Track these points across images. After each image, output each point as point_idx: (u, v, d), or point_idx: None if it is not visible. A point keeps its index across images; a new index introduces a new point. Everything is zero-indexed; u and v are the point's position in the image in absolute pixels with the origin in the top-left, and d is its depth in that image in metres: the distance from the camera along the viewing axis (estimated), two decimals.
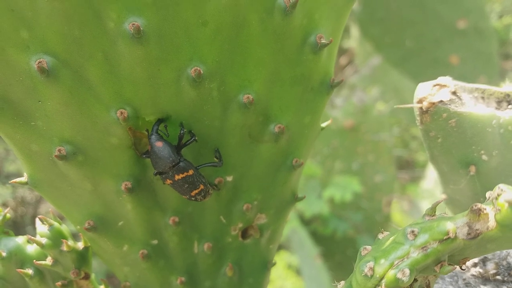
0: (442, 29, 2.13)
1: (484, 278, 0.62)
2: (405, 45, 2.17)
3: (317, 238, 2.41)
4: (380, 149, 2.50)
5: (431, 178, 2.63)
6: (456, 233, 0.40)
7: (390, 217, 2.61)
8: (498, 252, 0.62)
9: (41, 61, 0.49)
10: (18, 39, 0.48)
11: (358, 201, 2.45)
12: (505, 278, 0.61)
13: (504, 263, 0.61)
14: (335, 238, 2.43)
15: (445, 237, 0.40)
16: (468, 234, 0.41)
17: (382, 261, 0.42)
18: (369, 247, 0.46)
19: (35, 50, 0.49)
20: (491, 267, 0.61)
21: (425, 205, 2.72)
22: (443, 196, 0.72)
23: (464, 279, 0.62)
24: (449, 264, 0.43)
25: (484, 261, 0.62)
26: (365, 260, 0.43)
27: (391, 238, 0.44)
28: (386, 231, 0.48)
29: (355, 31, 2.72)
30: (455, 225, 0.41)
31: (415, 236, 0.42)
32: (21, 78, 0.50)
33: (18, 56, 0.49)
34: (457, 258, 0.44)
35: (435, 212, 0.45)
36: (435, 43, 2.16)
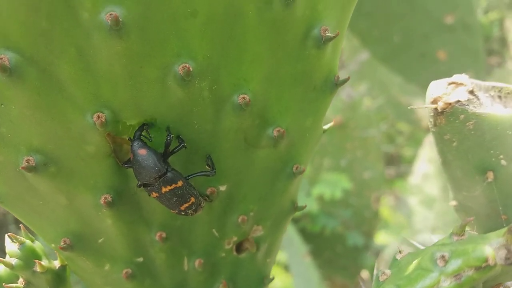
0: (430, 24, 2.10)
1: None
2: (393, 40, 2.14)
3: (306, 235, 2.38)
4: (369, 145, 2.49)
5: (418, 173, 2.61)
6: (495, 259, 0.34)
7: (379, 213, 2.60)
8: None
9: (1, 58, 0.42)
10: None
11: (347, 198, 2.43)
12: None
13: None
14: (324, 235, 2.41)
15: (483, 265, 0.34)
16: (507, 258, 0.35)
17: None
18: (388, 271, 0.40)
19: None
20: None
21: (413, 201, 2.71)
22: (453, 203, 0.67)
23: None
24: None
25: None
26: None
27: (415, 262, 0.38)
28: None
29: None
30: (491, 247, 0.35)
31: (446, 261, 0.36)
32: None
33: None
34: (490, 283, 0.39)
35: (464, 231, 0.39)
36: (423, 38, 2.13)
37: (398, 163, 4.22)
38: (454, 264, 0.35)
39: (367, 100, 2.98)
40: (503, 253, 0.36)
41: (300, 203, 0.66)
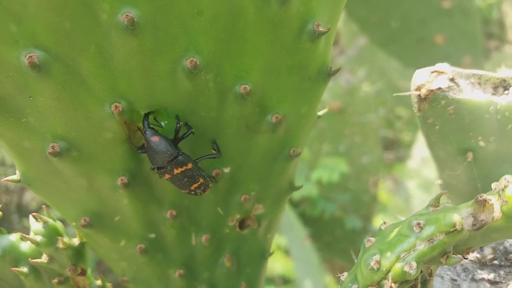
0: (428, 8, 2.12)
1: (481, 263, 0.62)
2: (391, 25, 2.16)
3: (306, 219, 2.43)
4: (367, 131, 2.50)
5: (416, 157, 2.65)
6: (462, 224, 0.40)
7: (377, 197, 2.63)
8: None
9: (31, 56, 0.47)
10: (6, 34, 0.46)
11: (346, 182, 2.46)
12: (502, 263, 0.61)
13: (501, 247, 0.62)
14: (323, 219, 2.45)
15: (451, 229, 0.40)
16: (474, 224, 0.41)
17: (388, 254, 0.42)
18: (372, 239, 0.46)
19: (25, 44, 0.47)
20: (488, 252, 0.62)
21: (411, 185, 2.76)
22: (439, 182, 0.73)
23: (461, 264, 0.63)
24: (454, 255, 0.43)
25: (481, 246, 0.63)
26: (370, 253, 0.43)
27: (396, 230, 0.44)
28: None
29: None
30: (460, 216, 0.41)
31: (421, 228, 0.42)
32: (11, 74, 0.48)
33: (7, 51, 0.47)
34: (461, 248, 0.44)
35: (439, 202, 0.45)
36: (421, 23, 2.15)
37: (396, 148, 4.26)
38: (428, 230, 0.41)
39: (366, 85, 2.99)
40: (470, 220, 0.42)
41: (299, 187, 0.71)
